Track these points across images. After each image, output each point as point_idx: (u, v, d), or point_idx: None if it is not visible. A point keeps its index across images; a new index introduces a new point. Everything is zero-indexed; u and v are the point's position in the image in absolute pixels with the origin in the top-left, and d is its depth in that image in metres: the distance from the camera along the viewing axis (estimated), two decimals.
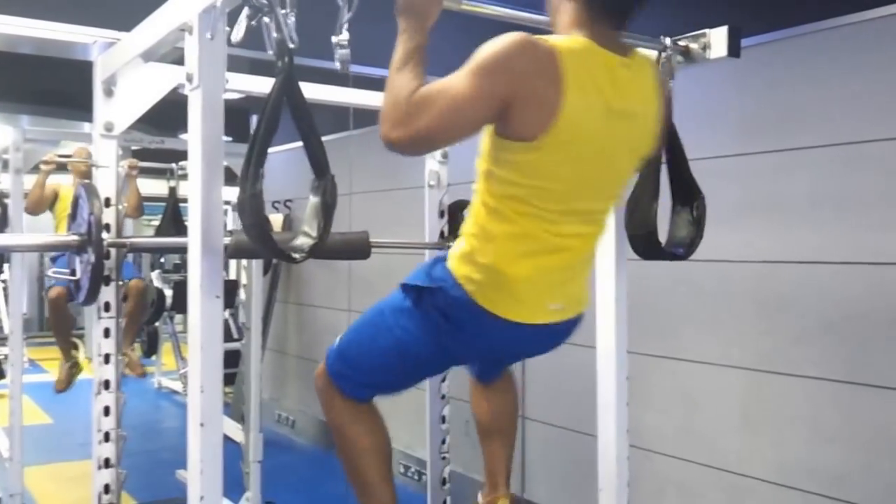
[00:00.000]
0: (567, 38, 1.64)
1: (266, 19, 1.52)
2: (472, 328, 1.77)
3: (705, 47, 2.08)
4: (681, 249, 2.12)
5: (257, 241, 1.54)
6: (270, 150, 1.53)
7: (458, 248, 1.79)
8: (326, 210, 1.58)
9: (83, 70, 2.64)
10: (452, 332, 1.79)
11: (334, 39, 1.61)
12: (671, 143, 2.05)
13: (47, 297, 4.98)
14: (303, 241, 1.60)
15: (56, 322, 5.12)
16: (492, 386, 2.31)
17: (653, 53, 2.09)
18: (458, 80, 1.57)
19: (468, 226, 1.79)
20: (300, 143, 1.57)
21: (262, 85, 2.60)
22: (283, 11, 1.51)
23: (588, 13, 1.68)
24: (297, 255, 1.59)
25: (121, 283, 2.48)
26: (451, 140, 1.68)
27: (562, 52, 1.58)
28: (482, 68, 1.56)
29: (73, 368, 5.14)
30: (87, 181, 2.42)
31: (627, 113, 1.70)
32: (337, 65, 1.63)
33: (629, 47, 1.77)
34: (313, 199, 1.61)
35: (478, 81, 1.55)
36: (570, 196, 1.71)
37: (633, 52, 1.77)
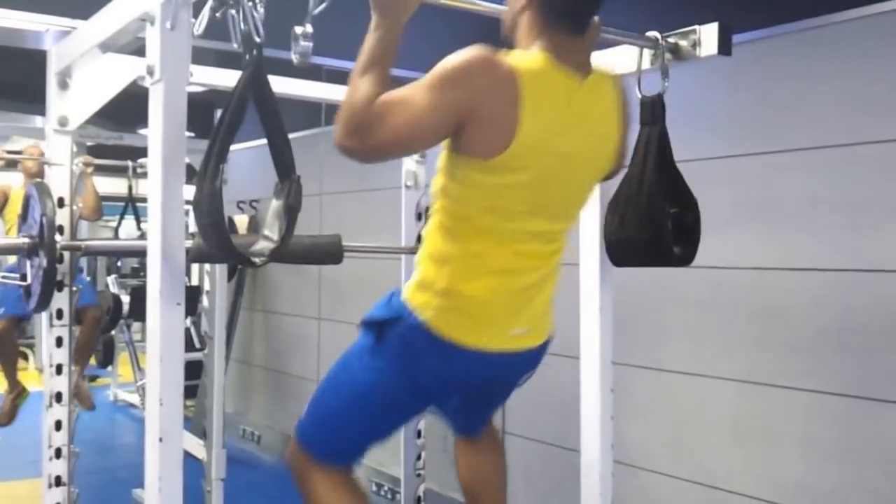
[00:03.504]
0: (527, 57, 1.68)
1: (232, 11, 1.53)
2: (434, 358, 1.79)
3: (695, 45, 2.11)
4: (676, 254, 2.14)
5: (214, 242, 1.55)
6: (235, 147, 1.55)
7: (413, 277, 1.83)
8: (290, 212, 1.60)
9: (36, 60, 2.62)
10: (418, 363, 1.81)
11: (297, 31, 1.62)
12: (659, 144, 2.08)
13: None
14: (263, 246, 1.62)
15: (1, 353, 5.06)
16: (477, 445, 2.27)
17: (635, 50, 2.12)
18: (416, 93, 1.61)
19: (423, 251, 1.83)
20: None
21: (228, 78, 2.60)
22: (250, 3, 1.52)
23: (545, 21, 1.73)
24: (256, 260, 1.60)
25: (76, 292, 2.46)
26: (406, 153, 1.73)
27: (521, 73, 1.63)
28: (441, 82, 1.60)
29: (18, 399, 5.09)
30: (38, 180, 2.41)
31: (585, 134, 1.75)
32: (294, 58, 1.64)
33: (590, 65, 1.80)
34: (276, 202, 1.63)
35: (436, 95, 1.60)
36: (527, 216, 1.76)
37: (595, 70, 1.80)
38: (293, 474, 1.98)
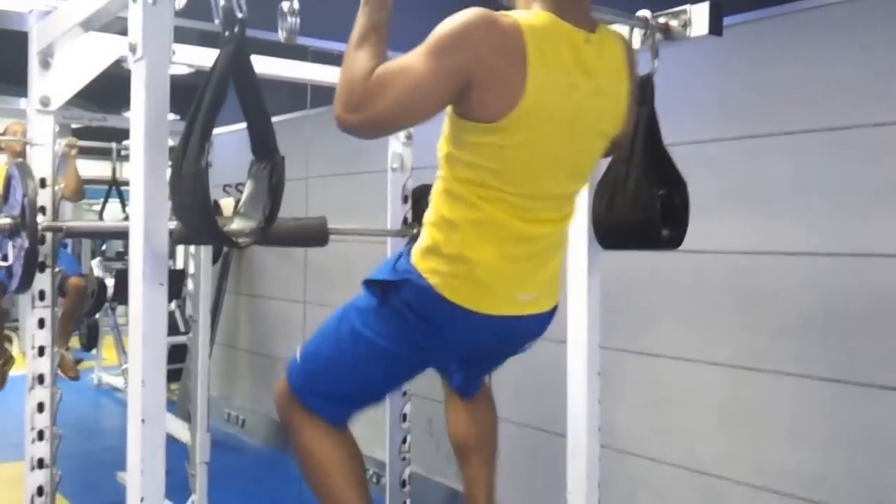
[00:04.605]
0: (529, 14, 1.65)
1: None
2: (441, 323, 1.78)
3: (685, 24, 2.09)
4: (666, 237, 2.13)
5: (198, 222, 1.54)
6: (221, 130, 1.53)
7: (421, 241, 1.80)
8: (275, 192, 1.59)
9: (18, 41, 2.59)
10: (423, 328, 1.79)
11: (284, 6, 1.60)
12: (648, 126, 2.06)
13: None
14: (245, 225, 1.60)
15: None
16: (470, 401, 2.26)
17: (625, 29, 2.10)
18: (415, 59, 1.57)
19: (430, 215, 1.80)
20: None
21: (213, 58, 2.57)
22: None
23: None
24: (241, 241, 1.59)
25: (58, 270, 2.44)
26: (410, 123, 1.69)
27: (524, 29, 1.59)
28: (441, 46, 1.56)
29: (6, 365, 5.06)
30: (20, 160, 2.38)
31: (593, 90, 1.71)
32: (281, 35, 1.62)
33: (595, 22, 1.78)
34: (257, 182, 1.61)
35: (437, 60, 1.56)
36: (536, 178, 1.73)
37: (599, 27, 1.78)
38: (283, 418, 1.96)
